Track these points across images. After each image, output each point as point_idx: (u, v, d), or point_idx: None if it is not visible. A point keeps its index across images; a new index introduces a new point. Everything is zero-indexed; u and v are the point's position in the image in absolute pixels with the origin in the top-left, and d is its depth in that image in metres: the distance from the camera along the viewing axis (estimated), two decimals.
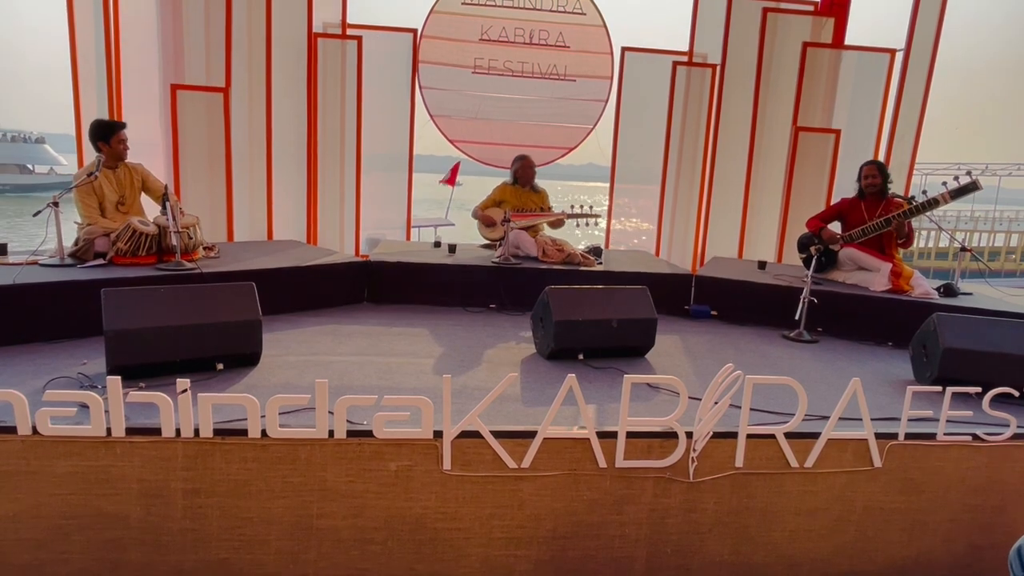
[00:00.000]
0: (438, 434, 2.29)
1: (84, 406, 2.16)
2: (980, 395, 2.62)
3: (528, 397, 2.87)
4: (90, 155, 4.25)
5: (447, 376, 2.28)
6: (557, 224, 5.28)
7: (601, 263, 4.96)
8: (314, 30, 5.61)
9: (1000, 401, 2.61)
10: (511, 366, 3.33)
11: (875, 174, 4.66)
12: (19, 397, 2.12)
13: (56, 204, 3.65)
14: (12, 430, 2.14)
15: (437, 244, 5.49)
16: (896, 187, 5.10)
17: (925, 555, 2.69)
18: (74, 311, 3.33)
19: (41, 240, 3.77)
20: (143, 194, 4.26)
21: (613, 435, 2.38)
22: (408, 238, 6.30)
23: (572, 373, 2.35)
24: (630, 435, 2.39)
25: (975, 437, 2.62)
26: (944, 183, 4.29)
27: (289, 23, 5.51)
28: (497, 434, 2.33)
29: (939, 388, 2.61)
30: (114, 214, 4.04)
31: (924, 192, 4.41)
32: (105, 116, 4.79)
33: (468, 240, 5.63)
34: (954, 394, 2.55)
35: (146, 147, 5.01)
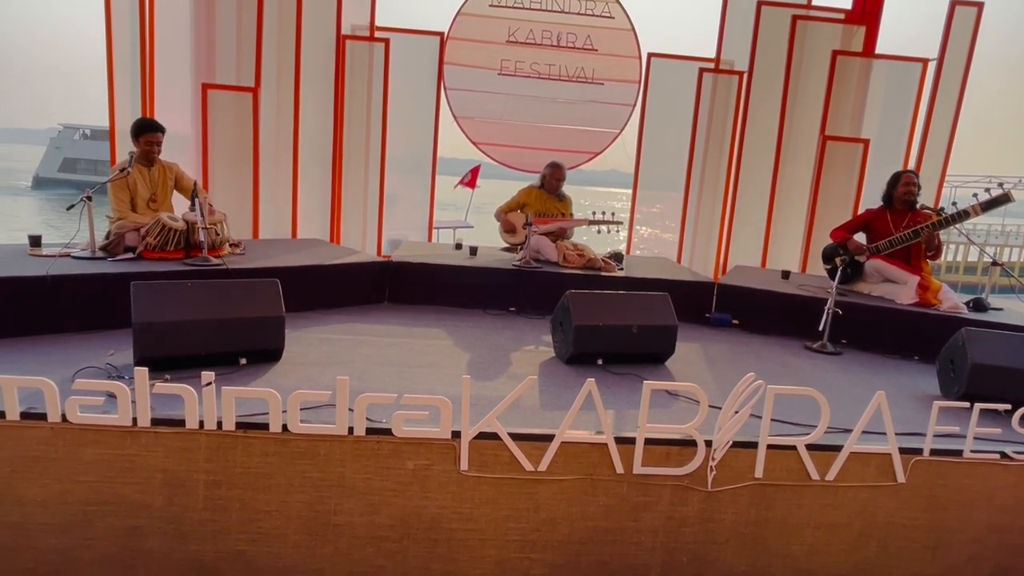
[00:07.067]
0: (456, 434, 2.30)
1: (112, 396, 2.21)
2: (1009, 412, 2.56)
3: (547, 401, 2.87)
4: (122, 151, 4.35)
5: (466, 377, 2.29)
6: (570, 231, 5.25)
7: (622, 269, 4.94)
8: (343, 32, 5.67)
9: None
10: (530, 369, 3.33)
11: (914, 182, 4.57)
12: (50, 385, 2.18)
13: (90, 198, 3.74)
14: (42, 417, 2.20)
15: (458, 246, 5.51)
16: (927, 199, 5.00)
17: (949, 574, 2.63)
18: (103, 303, 3.40)
19: (74, 233, 3.87)
20: (176, 191, 4.34)
21: (631, 441, 2.38)
22: (430, 239, 6.33)
23: (591, 378, 2.35)
24: (648, 442, 2.38)
25: (1003, 455, 2.56)
26: (975, 195, 4.21)
27: (318, 25, 5.58)
28: (515, 436, 2.33)
29: (966, 404, 2.55)
30: (145, 210, 4.12)
31: (954, 204, 4.32)
32: (138, 113, 4.89)
33: (489, 243, 5.65)
34: (982, 411, 2.50)
35: (177, 144, 5.11)
